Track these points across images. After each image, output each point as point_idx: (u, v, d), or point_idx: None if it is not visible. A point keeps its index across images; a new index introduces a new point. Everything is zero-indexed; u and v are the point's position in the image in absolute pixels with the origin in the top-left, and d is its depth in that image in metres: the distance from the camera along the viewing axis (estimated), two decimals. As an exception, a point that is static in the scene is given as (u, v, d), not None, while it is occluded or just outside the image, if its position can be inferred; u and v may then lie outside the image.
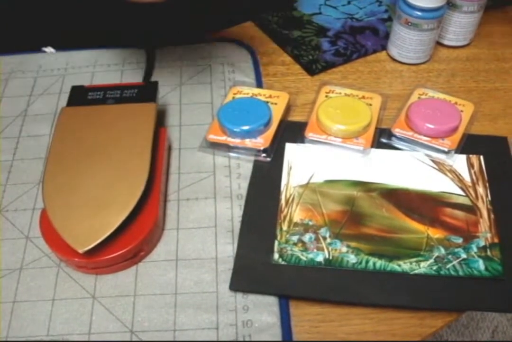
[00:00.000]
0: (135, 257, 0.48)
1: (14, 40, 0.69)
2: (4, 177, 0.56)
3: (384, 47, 0.69)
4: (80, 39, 0.69)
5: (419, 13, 0.61)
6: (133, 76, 0.66)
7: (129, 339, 0.45)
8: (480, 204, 0.52)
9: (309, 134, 0.58)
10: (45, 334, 0.45)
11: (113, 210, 0.47)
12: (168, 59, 0.68)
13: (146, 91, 0.58)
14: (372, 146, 0.57)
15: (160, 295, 0.47)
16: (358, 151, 0.57)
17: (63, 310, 0.47)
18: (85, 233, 0.46)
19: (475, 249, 0.49)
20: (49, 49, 0.69)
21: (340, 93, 0.61)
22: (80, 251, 0.45)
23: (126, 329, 0.45)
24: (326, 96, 0.61)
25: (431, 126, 0.56)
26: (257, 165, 0.56)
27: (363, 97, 0.60)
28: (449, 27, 0.67)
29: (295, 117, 0.61)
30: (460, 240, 0.49)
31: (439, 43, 0.69)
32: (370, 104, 0.59)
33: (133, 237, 0.47)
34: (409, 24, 0.62)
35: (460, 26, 0.67)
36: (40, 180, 0.55)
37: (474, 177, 0.54)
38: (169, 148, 0.58)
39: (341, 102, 0.59)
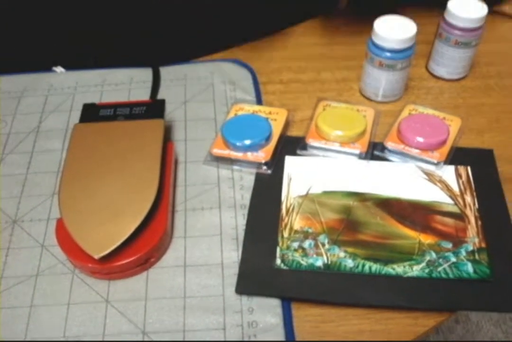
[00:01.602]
0: (145, 263, 0.51)
1: (26, 60, 0.71)
2: (19, 189, 0.58)
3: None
4: (89, 59, 0.72)
5: (389, 54, 0.62)
6: (140, 94, 0.68)
7: (141, 339, 0.47)
8: (468, 212, 0.55)
9: (310, 140, 0.61)
10: (62, 335, 0.47)
11: (126, 218, 0.50)
12: (172, 78, 0.71)
13: (154, 109, 0.61)
14: (367, 150, 0.60)
15: (170, 299, 0.49)
16: (355, 155, 0.60)
17: (78, 313, 0.49)
18: (100, 240, 0.48)
19: (464, 253, 0.51)
20: (59, 69, 0.72)
21: (336, 107, 0.64)
22: (96, 256, 0.47)
23: (138, 330, 0.47)
24: (324, 109, 0.64)
25: (421, 139, 0.59)
26: (259, 177, 0.59)
27: (358, 110, 0.64)
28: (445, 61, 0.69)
29: (294, 132, 0.64)
30: (450, 245, 0.52)
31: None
32: (365, 116, 0.63)
33: (144, 245, 0.50)
34: (383, 65, 0.64)
35: (454, 61, 0.69)
36: (54, 192, 0.58)
37: (462, 187, 0.57)
38: (176, 161, 0.61)
39: (339, 112, 0.63)
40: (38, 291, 0.50)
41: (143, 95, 0.68)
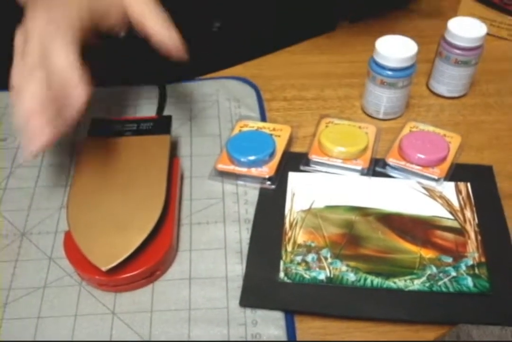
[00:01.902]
0: (151, 276, 0.52)
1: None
2: (27, 202, 0.59)
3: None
4: (97, 78, 0.73)
5: (390, 73, 0.64)
6: (147, 111, 0.70)
7: (147, 351, 0.48)
8: (468, 227, 0.56)
9: (313, 156, 0.62)
10: (68, 346, 0.48)
11: (133, 231, 0.51)
12: (178, 95, 0.72)
13: (160, 124, 0.62)
14: (369, 166, 0.61)
15: (175, 311, 0.50)
16: (357, 171, 0.61)
17: (85, 325, 0.49)
18: (107, 252, 0.49)
19: (464, 268, 0.52)
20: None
21: (338, 124, 0.66)
22: (103, 269, 0.48)
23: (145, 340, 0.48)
24: (326, 126, 0.65)
25: (422, 156, 0.60)
26: (262, 192, 0.60)
27: (360, 127, 0.65)
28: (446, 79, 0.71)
29: (297, 148, 0.65)
30: (450, 260, 0.53)
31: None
32: (366, 132, 0.64)
33: (151, 257, 0.51)
34: (384, 84, 0.65)
35: (454, 79, 0.70)
36: (62, 205, 0.59)
37: (462, 202, 0.58)
38: (182, 176, 0.62)
39: (341, 129, 0.64)
40: (46, 302, 0.51)
41: (150, 112, 0.70)
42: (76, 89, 0.48)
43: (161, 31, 0.54)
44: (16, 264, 0.54)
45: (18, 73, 0.49)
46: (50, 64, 0.48)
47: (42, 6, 0.51)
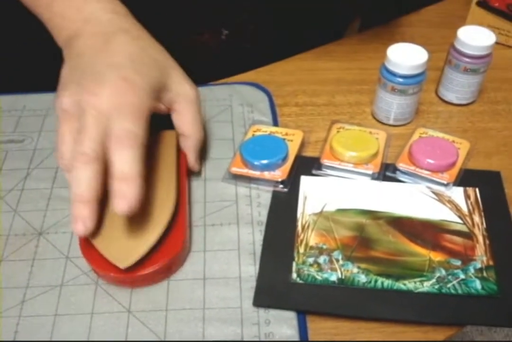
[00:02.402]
0: (167, 272, 0.53)
1: (51, 80, 0.74)
2: (44, 203, 0.61)
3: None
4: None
5: (401, 80, 0.65)
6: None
7: (162, 349, 0.49)
8: (476, 231, 0.57)
9: (324, 161, 0.63)
10: (85, 344, 0.49)
11: (148, 229, 0.52)
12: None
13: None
14: (380, 171, 0.62)
15: (190, 310, 0.51)
16: (368, 175, 0.62)
17: (101, 323, 0.50)
18: (125, 250, 0.50)
19: (472, 271, 0.53)
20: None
21: (349, 129, 0.67)
22: (122, 267, 0.50)
23: (159, 340, 0.49)
24: (338, 131, 0.66)
25: (431, 161, 0.61)
26: (275, 195, 0.61)
27: (370, 132, 0.66)
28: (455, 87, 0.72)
29: (309, 153, 0.66)
30: (459, 263, 0.54)
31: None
32: (377, 138, 0.65)
33: (166, 253, 0.52)
34: (395, 90, 0.66)
35: (463, 87, 0.71)
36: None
37: (470, 207, 0.59)
38: (187, 169, 0.62)
39: (352, 134, 0.65)
40: (62, 300, 0.52)
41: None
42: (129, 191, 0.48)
43: (192, 151, 0.60)
44: (33, 263, 0.55)
45: (71, 150, 0.50)
46: (112, 164, 0.49)
47: (110, 86, 0.51)
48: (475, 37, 0.67)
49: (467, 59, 0.68)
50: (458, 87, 0.71)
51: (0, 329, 0.50)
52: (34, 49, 0.72)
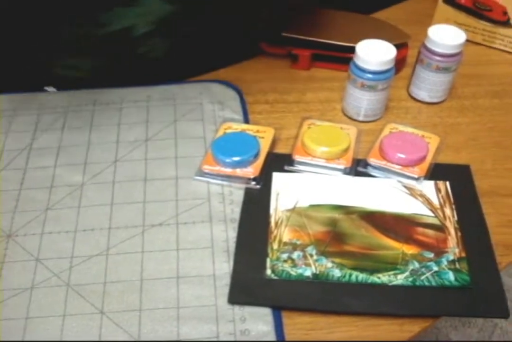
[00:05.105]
0: None
1: (19, 80, 0.73)
2: (13, 204, 0.60)
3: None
4: (81, 80, 0.74)
5: (370, 76, 0.66)
6: (132, 113, 0.70)
7: (137, 349, 0.48)
8: (448, 224, 0.58)
9: (296, 156, 0.63)
10: (58, 346, 0.48)
11: None
12: (162, 98, 0.73)
13: None
14: (351, 166, 0.62)
15: (164, 309, 0.51)
16: (340, 170, 0.62)
17: (74, 325, 0.50)
18: None
19: (445, 263, 0.54)
20: (51, 89, 0.74)
21: (320, 125, 0.67)
22: None
23: (134, 340, 0.49)
24: (309, 127, 0.67)
25: (402, 156, 0.62)
26: (248, 192, 0.61)
27: (341, 128, 0.66)
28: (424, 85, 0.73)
29: (280, 149, 0.67)
30: (431, 255, 0.55)
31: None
32: (348, 133, 0.66)
33: None
34: (365, 86, 0.67)
35: (436, 85, 0.72)
36: (47, 207, 0.59)
37: (441, 200, 0.60)
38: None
39: (323, 129, 0.66)
40: (33, 303, 0.51)
41: (135, 115, 0.70)
42: None
43: None
44: (2, 265, 0.54)
45: None
46: None
47: None
48: (446, 35, 0.68)
49: (438, 58, 0.69)
50: (430, 85, 0.72)
51: (-31, 333, 0.49)
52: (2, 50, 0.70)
